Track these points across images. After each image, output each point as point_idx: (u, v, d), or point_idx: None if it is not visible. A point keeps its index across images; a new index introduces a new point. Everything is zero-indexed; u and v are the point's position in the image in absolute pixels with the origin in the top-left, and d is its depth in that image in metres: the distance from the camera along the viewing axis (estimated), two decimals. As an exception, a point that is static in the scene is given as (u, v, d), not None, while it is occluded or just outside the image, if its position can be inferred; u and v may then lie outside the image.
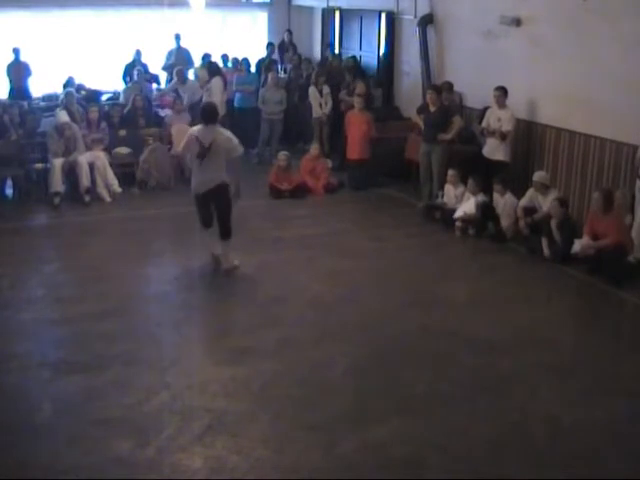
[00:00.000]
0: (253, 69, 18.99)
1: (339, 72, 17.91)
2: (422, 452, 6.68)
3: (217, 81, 16.81)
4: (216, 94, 16.65)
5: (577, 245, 10.89)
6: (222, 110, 16.85)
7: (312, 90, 17.12)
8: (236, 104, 18.23)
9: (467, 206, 12.48)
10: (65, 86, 16.76)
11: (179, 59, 19.47)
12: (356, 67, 17.99)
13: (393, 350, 8.62)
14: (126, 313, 9.61)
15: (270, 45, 20.24)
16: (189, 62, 19.31)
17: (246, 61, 18.73)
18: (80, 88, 17.11)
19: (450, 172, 12.94)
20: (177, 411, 7.30)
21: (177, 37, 19.80)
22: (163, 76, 19.80)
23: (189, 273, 10.87)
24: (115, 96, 18.22)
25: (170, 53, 19.82)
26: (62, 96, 15.90)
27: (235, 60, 18.64)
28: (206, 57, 18.04)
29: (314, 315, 9.56)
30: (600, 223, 10.68)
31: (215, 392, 7.67)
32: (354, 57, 18.63)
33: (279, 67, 19.77)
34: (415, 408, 7.43)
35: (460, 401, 7.55)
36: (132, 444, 6.73)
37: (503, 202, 12.26)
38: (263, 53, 20.10)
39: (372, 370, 8.16)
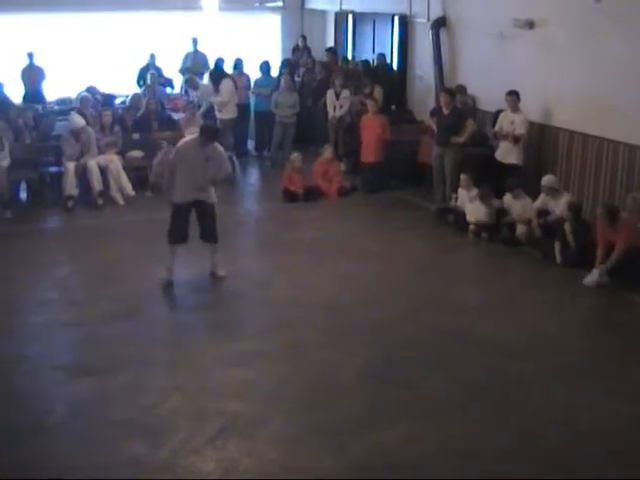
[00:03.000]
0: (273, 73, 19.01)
1: (357, 76, 17.88)
2: (434, 456, 6.68)
3: (227, 83, 16.84)
4: (223, 96, 16.70)
5: (590, 279, 10.74)
6: (232, 113, 16.91)
7: (329, 93, 17.13)
8: (253, 107, 18.32)
9: (478, 212, 12.44)
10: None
11: (196, 63, 19.51)
12: (370, 71, 17.93)
13: (405, 353, 8.61)
14: (139, 316, 9.64)
15: (286, 61, 20.13)
16: (205, 66, 19.33)
17: (266, 64, 18.77)
18: (94, 92, 17.15)
19: (462, 177, 12.89)
20: (190, 413, 7.32)
21: (194, 41, 19.82)
22: (178, 80, 19.82)
23: (202, 276, 10.87)
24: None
25: (187, 56, 19.85)
26: (77, 100, 15.97)
27: (238, 62, 18.61)
28: (219, 62, 18.07)
29: (326, 318, 9.56)
30: (610, 234, 10.62)
31: (228, 395, 7.69)
32: (366, 61, 18.58)
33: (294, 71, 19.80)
34: (427, 412, 7.42)
35: (472, 405, 7.54)
36: (145, 446, 6.76)
37: (519, 205, 12.21)
38: (277, 56, 20.11)
39: (384, 373, 8.16)
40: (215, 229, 10.70)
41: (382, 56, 18.22)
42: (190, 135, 11.07)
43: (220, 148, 10.72)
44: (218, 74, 17.31)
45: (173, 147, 15.13)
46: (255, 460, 6.60)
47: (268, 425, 7.15)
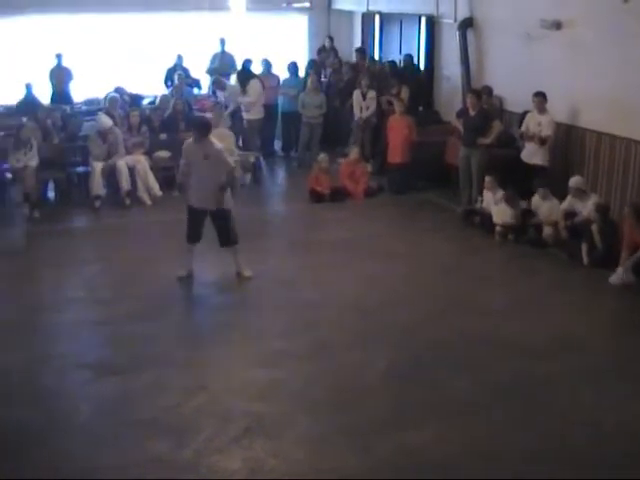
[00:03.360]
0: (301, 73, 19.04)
1: (385, 77, 17.87)
2: (459, 457, 6.66)
3: (254, 83, 16.89)
4: (251, 96, 16.74)
5: (615, 278, 10.70)
6: (259, 113, 16.94)
7: (356, 93, 17.13)
8: (280, 108, 18.36)
9: (505, 214, 12.39)
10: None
11: (223, 63, 19.55)
12: (397, 72, 17.88)
13: (430, 354, 8.60)
14: (165, 315, 9.67)
15: (312, 62, 20.12)
16: (232, 67, 19.37)
17: (293, 65, 18.79)
18: (122, 93, 17.23)
19: (487, 179, 12.83)
20: (215, 413, 7.34)
21: (222, 41, 19.85)
22: (206, 80, 19.87)
23: (227, 275, 10.89)
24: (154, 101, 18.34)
25: (215, 57, 19.88)
26: (105, 101, 16.08)
27: (267, 63, 18.64)
28: (247, 62, 18.12)
29: (352, 318, 9.56)
30: (637, 233, 10.56)
31: (253, 394, 7.70)
32: (393, 61, 18.53)
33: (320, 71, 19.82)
34: (452, 413, 7.40)
35: (498, 406, 7.52)
36: (170, 445, 6.78)
37: (546, 207, 12.16)
38: (304, 57, 20.11)
39: (410, 374, 8.15)
40: (230, 233, 10.66)
41: (409, 57, 18.17)
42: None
43: (218, 146, 10.65)
44: (246, 75, 17.35)
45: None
46: (281, 460, 6.60)
47: (294, 425, 7.15)
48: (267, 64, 18.55)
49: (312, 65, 19.46)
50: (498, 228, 12.45)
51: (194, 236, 10.70)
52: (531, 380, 8.02)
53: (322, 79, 18.97)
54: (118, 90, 17.04)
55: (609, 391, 7.83)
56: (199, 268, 10.91)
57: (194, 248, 10.75)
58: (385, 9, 19.75)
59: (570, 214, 11.83)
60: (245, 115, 17.06)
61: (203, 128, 10.59)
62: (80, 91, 19.01)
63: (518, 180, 12.61)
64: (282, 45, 21.25)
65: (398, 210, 14.41)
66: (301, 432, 7.06)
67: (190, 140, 10.65)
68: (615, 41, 12.14)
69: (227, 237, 10.63)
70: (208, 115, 16.78)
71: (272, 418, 7.27)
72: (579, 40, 12.90)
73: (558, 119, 13.03)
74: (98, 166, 14.19)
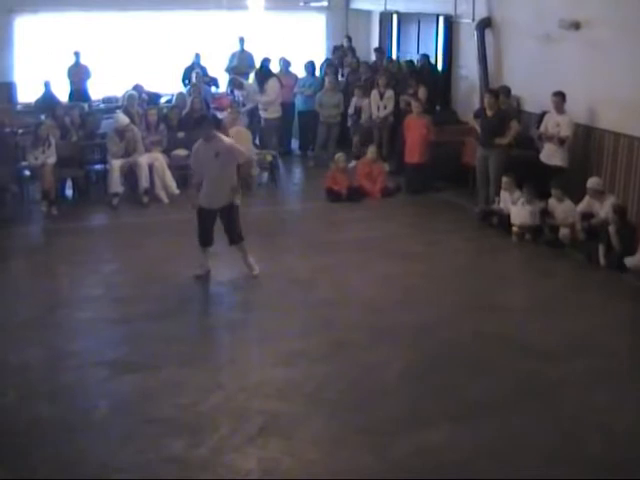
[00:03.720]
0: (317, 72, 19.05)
1: (403, 77, 17.85)
2: (474, 458, 6.66)
3: (273, 82, 16.91)
4: (269, 95, 16.76)
5: (630, 261, 10.73)
6: (277, 112, 16.96)
7: (373, 93, 17.14)
8: (297, 107, 18.38)
9: (522, 215, 12.38)
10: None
11: (242, 62, 19.58)
12: (415, 71, 17.86)
13: (447, 355, 8.60)
14: (182, 314, 9.71)
15: (327, 60, 20.16)
16: (251, 65, 19.39)
17: (311, 64, 18.82)
18: (140, 91, 17.29)
19: (504, 179, 12.81)
20: (231, 412, 7.36)
21: (241, 40, 19.89)
22: (224, 78, 19.91)
23: (244, 275, 10.91)
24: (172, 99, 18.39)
25: (233, 55, 19.92)
26: (123, 99, 16.14)
27: (285, 62, 18.68)
28: (265, 61, 18.16)
29: (368, 318, 9.56)
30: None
31: (269, 394, 7.72)
32: (411, 61, 18.49)
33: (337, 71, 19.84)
34: (468, 414, 7.40)
35: (513, 407, 7.51)
36: (186, 444, 6.80)
37: (561, 209, 12.14)
38: (321, 56, 20.12)
39: (425, 374, 8.15)
40: (234, 229, 10.65)
41: (426, 57, 18.17)
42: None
43: (227, 140, 10.68)
44: (264, 74, 17.36)
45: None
46: (296, 459, 6.62)
47: (309, 425, 7.17)
48: (285, 63, 18.57)
49: (329, 63, 19.46)
50: (515, 229, 12.43)
51: (206, 239, 10.69)
52: (546, 381, 8.01)
53: (340, 78, 18.97)
54: (136, 88, 17.09)
55: (624, 393, 7.81)
56: (215, 267, 10.93)
57: (208, 249, 10.77)
58: (403, 9, 19.74)
59: (587, 215, 11.81)
60: (262, 114, 17.09)
61: (210, 124, 10.59)
62: (98, 89, 19.09)
63: (536, 181, 12.56)
64: (300, 44, 21.28)
65: (415, 210, 14.41)
66: (316, 432, 7.08)
67: (199, 141, 10.59)
68: (634, 41, 12.10)
69: (232, 233, 10.63)
70: (225, 114, 16.86)
71: (288, 418, 7.29)
72: (598, 40, 12.86)
73: (577, 120, 12.98)
74: (116, 164, 14.25)
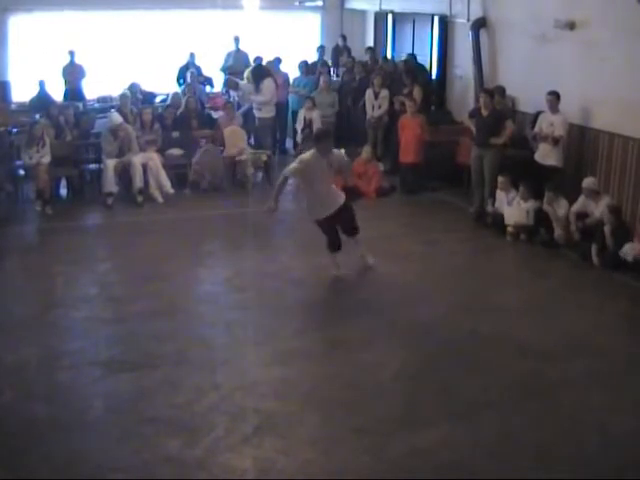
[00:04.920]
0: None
1: (398, 76, 17.84)
2: (470, 457, 6.66)
3: (269, 82, 16.88)
4: (265, 95, 16.73)
5: (628, 248, 10.78)
6: (271, 112, 16.94)
7: (368, 93, 17.15)
8: (292, 106, 18.38)
9: (517, 215, 12.39)
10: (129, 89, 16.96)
11: (237, 62, 19.57)
12: (412, 70, 17.84)
13: (443, 354, 8.60)
14: (177, 313, 9.70)
15: (321, 48, 20.28)
16: (247, 65, 19.35)
17: (304, 63, 18.81)
18: (137, 89, 17.29)
19: (500, 179, 12.82)
20: (226, 411, 7.35)
21: (236, 40, 19.89)
22: (219, 78, 19.90)
23: (240, 274, 10.91)
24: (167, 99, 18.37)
25: (229, 55, 19.93)
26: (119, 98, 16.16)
27: (277, 61, 18.67)
28: (257, 60, 18.16)
29: (364, 318, 9.55)
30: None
31: (264, 393, 7.71)
32: (406, 60, 18.46)
33: (332, 70, 19.87)
34: (464, 413, 7.40)
35: (510, 407, 7.52)
36: (181, 443, 6.79)
37: (556, 208, 12.14)
38: (315, 56, 20.12)
39: (422, 374, 8.15)
40: (355, 222, 10.85)
41: (412, 56, 18.24)
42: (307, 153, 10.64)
43: (337, 151, 10.75)
44: (260, 72, 17.35)
45: (213, 145, 15.33)
46: (291, 459, 6.61)
47: (305, 424, 7.17)
48: (276, 62, 18.57)
49: (322, 63, 19.48)
50: (510, 229, 12.44)
51: (334, 245, 10.76)
52: (542, 381, 8.02)
53: (334, 78, 18.99)
54: (133, 86, 17.09)
55: (620, 393, 7.82)
56: (211, 266, 10.94)
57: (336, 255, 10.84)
58: (398, 8, 19.76)
59: (582, 215, 11.83)
60: (257, 113, 17.08)
61: (331, 140, 10.57)
62: (93, 88, 19.07)
63: (531, 181, 12.57)
64: (295, 44, 21.29)
65: (410, 210, 14.42)
66: (312, 431, 7.07)
67: (312, 153, 10.32)
68: (629, 42, 12.12)
69: (353, 226, 10.79)
70: (220, 113, 16.87)
71: (283, 417, 7.28)
72: (593, 41, 12.88)
73: (571, 120, 13.00)
74: (110, 163, 14.23)
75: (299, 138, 16.90)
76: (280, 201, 10.63)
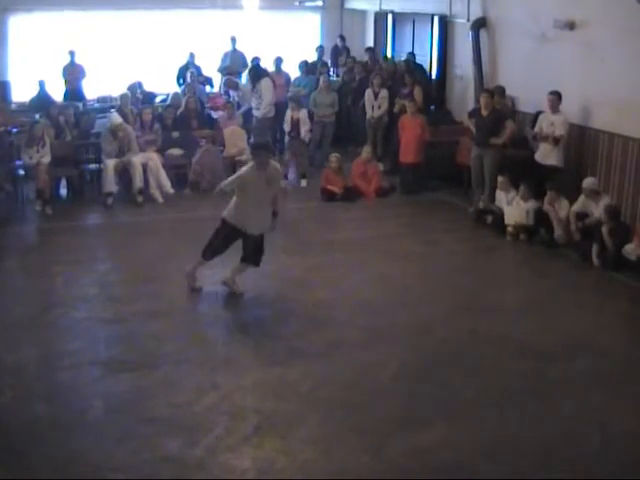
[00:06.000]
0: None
1: (399, 76, 17.83)
2: (470, 457, 6.66)
3: (266, 82, 16.86)
4: (266, 96, 16.70)
5: (630, 248, 10.79)
6: (271, 112, 16.91)
7: (368, 93, 17.14)
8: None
9: (517, 215, 12.39)
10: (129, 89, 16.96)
11: (234, 62, 19.57)
12: (412, 70, 17.83)
13: (443, 354, 8.61)
14: (177, 313, 9.70)
15: (320, 48, 20.28)
16: (244, 65, 19.39)
17: (304, 63, 18.82)
18: (137, 89, 17.29)
19: (500, 179, 12.83)
20: (226, 411, 7.35)
21: (233, 40, 19.90)
22: (217, 78, 19.91)
23: (239, 275, 10.90)
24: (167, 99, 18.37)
25: (226, 55, 19.94)
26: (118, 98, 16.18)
27: (278, 61, 18.67)
28: (255, 60, 18.18)
29: (364, 318, 9.56)
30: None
31: (264, 393, 7.71)
32: (407, 60, 18.45)
33: (331, 70, 19.87)
34: (464, 413, 7.40)
35: (509, 407, 7.52)
36: (181, 443, 6.80)
37: (556, 208, 12.14)
38: (314, 56, 20.11)
39: (421, 374, 8.16)
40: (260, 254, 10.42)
41: (412, 55, 18.28)
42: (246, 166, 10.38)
43: (277, 166, 10.39)
44: (257, 73, 17.34)
45: (213, 146, 15.31)
46: (291, 459, 6.61)
47: (305, 424, 7.16)
48: (278, 61, 18.56)
49: (322, 63, 19.49)
50: (510, 229, 12.44)
51: (212, 254, 10.33)
52: (542, 381, 8.02)
53: (334, 78, 19.00)
54: (135, 85, 17.11)
55: (620, 393, 7.83)
56: (210, 266, 10.92)
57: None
58: (398, 8, 19.76)
59: (582, 215, 11.83)
60: (255, 113, 17.07)
61: (269, 150, 10.43)
62: (93, 88, 19.07)
63: (532, 181, 12.57)
64: (295, 44, 21.29)
65: (410, 210, 14.40)
66: (312, 431, 7.07)
67: (250, 166, 10.06)
68: (629, 42, 12.12)
69: (259, 258, 10.38)
70: (220, 113, 16.87)
71: (283, 417, 7.28)
72: (593, 41, 12.88)
73: (571, 120, 13.00)
74: (110, 163, 14.21)
75: (286, 140, 16.54)
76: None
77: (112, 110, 15.62)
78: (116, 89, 17.46)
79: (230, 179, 10.32)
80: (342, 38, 20.82)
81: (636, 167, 12.18)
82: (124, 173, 14.44)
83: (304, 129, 15.95)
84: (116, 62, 19.75)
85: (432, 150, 15.31)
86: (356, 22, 22.06)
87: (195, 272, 10.43)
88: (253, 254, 10.28)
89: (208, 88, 19.60)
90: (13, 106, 18.08)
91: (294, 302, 10.10)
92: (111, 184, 14.22)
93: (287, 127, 16.24)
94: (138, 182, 14.25)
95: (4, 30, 19.47)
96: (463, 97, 17.08)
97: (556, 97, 12.84)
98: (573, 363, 8.40)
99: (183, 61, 19.54)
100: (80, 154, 15.19)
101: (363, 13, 21.92)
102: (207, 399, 7.56)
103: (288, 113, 16.27)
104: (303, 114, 16.23)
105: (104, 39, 19.95)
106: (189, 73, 18.41)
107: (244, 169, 10.20)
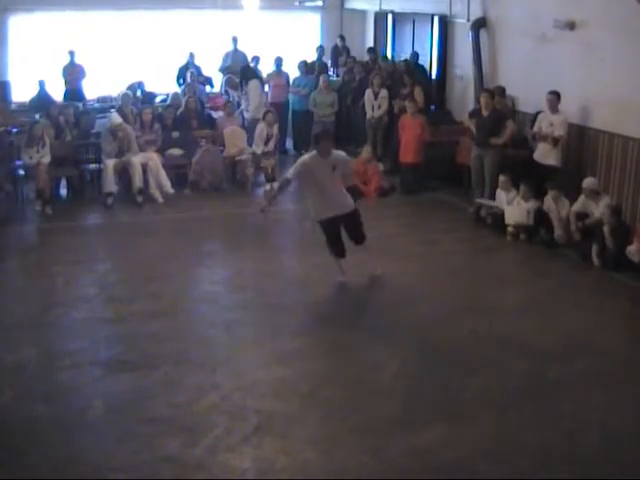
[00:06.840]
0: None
1: (399, 76, 17.83)
2: (469, 458, 6.65)
3: (253, 84, 16.87)
4: (253, 97, 16.71)
5: (632, 249, 10.80)
6: (259, 113, 16.86)
7: (368, 93, 17.14)
8: (291, 106, 18.39)
9: (517, 214, 12.39)
10: (130, 88, 16.96)
11: (235, 62, 19.57)
12: (411, 71, 17.81)
13: (442, 354, 8.60)
14: (177, 313, 9.69)
15: (320, 48, 20.28)
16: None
17: (304, 63, 18.84)
18: (136, 89, 17.29)
19: (501, 178, 12.83)
20: (226, 411, 7.35)
21: (234, 40, 19.89)
22: (218, 78, 19.92)
23: (240, 274, 10.92)
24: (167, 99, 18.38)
25: (227, 55, 19.93)
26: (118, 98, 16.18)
27: (278, 61, 18.69)
28: (254, 60, 18.15)
29: (364, 318, 9.57)
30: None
31: (264, 393, 7.71)
32: (407, 60, 18.45)
33: (331, 70, 19.88)
34: (463, 413, 7.40)
35: (509, 407, 7.51)
36: (181, 443, 6.79)
37: (556, 208, 12.14)
38: (314, 56, 20.11)
39: (421, 374, 8.15)
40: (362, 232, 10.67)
41: (415, 55, 18.28)
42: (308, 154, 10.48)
43: (339, 152, 10.54)
44: (245, 74, 17.36)
45: (213, 145, 15.30)
46: (291, 459, 6.61)
47: (305, 424, 7.16)
48: (278, 62, 18.56)
49: (320, 56, 19.52)
50: (510, 229, 12.44)
51: (337, 250, 10.52)
52: (542, 381, 8.01)
53: (334, 78, 19.01)
54: (136, 85, 17.11)
55: (620, 393, 7.82)
56: (211, 267, 10.94)
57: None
58: (398, 8, 19.76)
59: (582, 215, 11.82)
60: (245, 114, 17.11)
61: (330, 138, 10.53)
62: (93, 88, 19.06)
63: (531, 181, 12.57)
64: (295, 44, 21.29)
65: (410, 210, 14.40)
66: (312, 431, 7.07)
67: (311, 155, 10.23)
68: (629, 42, 12.12)
69: (359, 234, 10.58)
70: (220, 113, 16.87)
71: (283, 417, 7.28)
72: (593, 41, 12.88)
73: (571, 120, 13.01)
74: (110, 163, 14.21)
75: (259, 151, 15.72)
76: (275, 203, 10.58)
77: (112, 110, 15.62)
78: (116, 89, 17.46)
79: (292, 168, 10.36)
80: (342, 38, 20.83)
81: (636, 167, 12.18)
82: (124, 173, 14.45)
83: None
84: (116, 62, 19.73)
85: (432, 150, 15.32)
86: (356, 22, 22.05)
87: (341, 269, 10.57)
88: (355, 231, 10.51)
89: (208, 88, 19.60)
90: (13, 106, 18.07)
91: (294, 302, 10.09)
92: (111, 184, 14.22)
93: (261, 141, 15.61)
94: (138, 182, 14.25)
95: (4, 30, 19.47)
96: (463, 97, 17.08)
97: (555, 97, 12.84)
98: (573, 363, 8.39)
99: (183, 61, 19.53)
100: (80, 154, 15.19)
101: (363, 13, 21.92)
102: (207, 399, 7.55)
103: (260, 126, 15.73)
104: (276, 129, 16.01)
105: (104, 39, 19.94)
106: (189, 73, 18.42)
107: (305, 156, 10.35)
